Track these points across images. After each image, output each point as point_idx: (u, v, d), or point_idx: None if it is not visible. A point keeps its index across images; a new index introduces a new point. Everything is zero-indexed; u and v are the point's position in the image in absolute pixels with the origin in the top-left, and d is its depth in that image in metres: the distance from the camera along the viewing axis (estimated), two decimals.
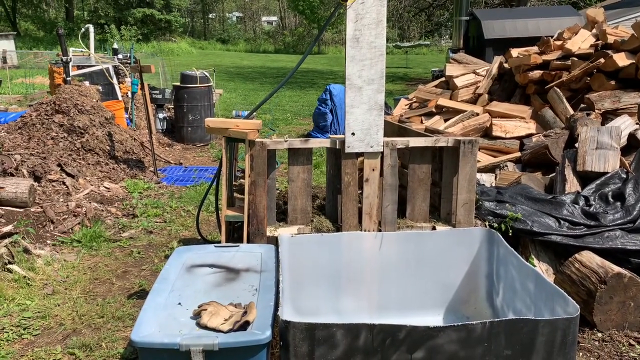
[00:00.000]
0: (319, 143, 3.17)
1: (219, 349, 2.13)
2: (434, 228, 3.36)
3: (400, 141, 3.21)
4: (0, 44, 21.04)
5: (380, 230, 3.26)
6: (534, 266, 3.66)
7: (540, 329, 2.23)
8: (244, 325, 2.22)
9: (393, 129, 4.09)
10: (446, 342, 2.19)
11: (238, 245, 3.03)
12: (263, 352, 2.20)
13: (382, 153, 3.17)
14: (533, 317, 2.24)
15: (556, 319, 2.26)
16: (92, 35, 8.95)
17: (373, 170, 3.17)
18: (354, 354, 2.19)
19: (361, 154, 3.17)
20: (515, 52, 6.54)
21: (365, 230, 3.24)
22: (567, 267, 3.47)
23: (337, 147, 3.16)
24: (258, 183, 3.06)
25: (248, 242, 3.14)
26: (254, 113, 3.57)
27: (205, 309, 2.31)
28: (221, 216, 3.20)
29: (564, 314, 2.41)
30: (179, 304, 2.46)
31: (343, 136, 3.13)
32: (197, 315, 2.32)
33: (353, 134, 3.09)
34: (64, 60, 7.31)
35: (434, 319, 3.29)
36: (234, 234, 3.39)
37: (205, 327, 2.24)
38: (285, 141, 3.10)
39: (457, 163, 3.26)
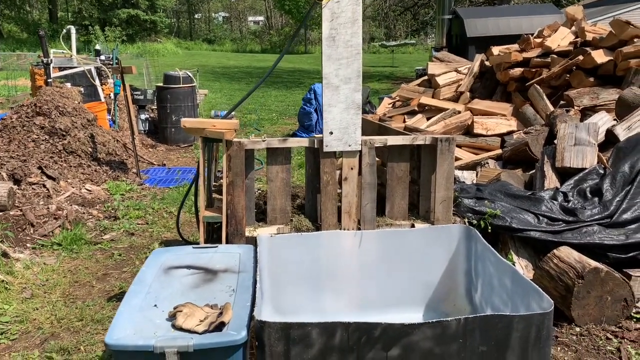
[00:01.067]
0: (297, 142, 3.17)
1: (193, 351, 2.12)
2: (412, 226, 3.37)
3: (379, 140, 3.22)
4: None
5: (359, 229, 3.27)
6: (514, 262, 3.70)
7: (515, 325, 2.25)
8: (219, 326, 2.22)
9: (373, 128, 4.10)
10: (421, 339, 2.20)
11: (216, 246, 3.02)
12: (239, 352, 2.19)
13: (361, 152, 3.18)
14: (508, 313, 2.26)
15: (531, 314, 2.27)
16: (73, 36, 8.88)
17: (351, 169, 3.17)
18: (329, 352, 2.20)
19: (340, 153, 3.17)
20: (496, 50, 6.59)
21: (344, 229, 3.25)
22: (545, 262, 3.49)
23: (316, 146, 3.16)
24: (236, 183, 3.05)
25: (227, 242, 3.13)
26: (233, 113, 3.57)
27: (181, 311, 2.31)
28: (200, 217, 3.19)
29: (539, 310, 2.43)
30: (155, 305, 2.45)
31: (322, 135, 3.13)
32: (172, 317, 2.31)
33: (331, 133, 3.09)
34: (44, 62, 7.25)
35: (414, 316, 3.30)
36: (214, 234, 3.38)
37: (181, 329, 2.23)
38: (264, 141, 3.09)
39: (435, 161, 3.27)
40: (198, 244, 3.37)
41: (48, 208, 4.99)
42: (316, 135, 3.24)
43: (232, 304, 2.42)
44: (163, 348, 2.11)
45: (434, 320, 2.21)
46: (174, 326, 2.26)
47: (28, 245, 4.42)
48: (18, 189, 5.14)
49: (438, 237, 3.27)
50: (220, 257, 2.93)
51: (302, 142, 3.16)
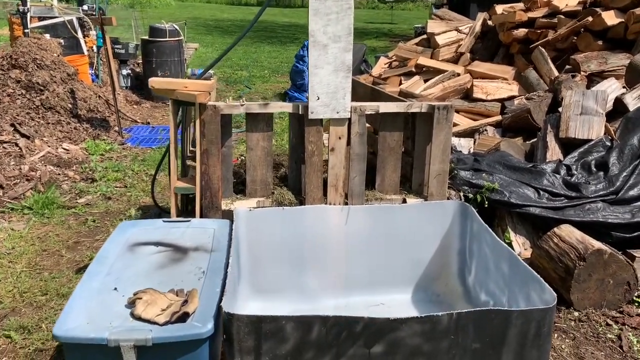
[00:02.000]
0: (280, 107, 2.87)
1: (152, 345, 1.89)
2: (404, 200, 3.12)
3: (370, 106, 2.92)
4: None
5: (346, 204, 3.01)
6: (510, 240, 3.47)
7: (513, 320, 2.02)
8: (182, 317, 1.98)
9: (366, 91, 3.79)
10: (408, 335, 1.98)
11: (189, 220, 2.77)
12: (204, 347, 1.96)
13: (350, 120, 2.89)
14: (506, 308, 2.03)
15: (531, 309, 2.05)
16: None
17: (339, 138, 2.89)
18: (306, 348, 1.97)
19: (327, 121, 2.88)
20: (499, 8, 6.21)
21: (330, 204, 2.99)
22: (545, 241, 3.26)
23: (300, 112, 2.87)
24: (211, 152, 2.77)
25: (201, 216, 2.88)
26: (212, 72, 3.25)
27: (141, 298, 2.06)
28: (171, 188, 2.92)
29: (539, 301, 2.21)
30: (115, 289, 2.20)
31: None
32: (131, 304, 2.07)
33: (318, 98, 2.80)
34: (21, 10, 6.81)
35: (403, 297, 3.09)
36: (189, 205, 3.12)
37: (140, 319, 1.99)
38: (242, 105, 2.79)
39: (431, 131, 2.99)
40: (180, 214, 3.12)
41: (20, 169, 4.70)
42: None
43: (200, 290, 2.18)
44: (118, 341, 1.87)
45: (424, 315, 1.97)
46: (132, 315, 2.02)
47: None
48: None
49: (431, 213, 3.02)
50: (192, 233, 2.67)
51: (284, 107, 2.87)
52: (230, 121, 2.90)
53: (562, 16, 5.56)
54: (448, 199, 3.30)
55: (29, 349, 2.67)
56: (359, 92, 3.88)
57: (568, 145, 3.99)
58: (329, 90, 2.78)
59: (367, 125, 3.52)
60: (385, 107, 2.95)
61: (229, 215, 2.83)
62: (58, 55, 6.74)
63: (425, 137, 3.07)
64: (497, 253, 2.63)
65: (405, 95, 3.53)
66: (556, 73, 5.11)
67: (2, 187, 4.39)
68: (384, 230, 3.01)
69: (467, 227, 3.00)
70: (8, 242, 3.71)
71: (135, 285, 2.22)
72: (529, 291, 2.30)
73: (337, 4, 2.67)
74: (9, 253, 3.58)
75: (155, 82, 2.76)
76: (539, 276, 2.23)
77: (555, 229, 3.29)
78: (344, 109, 2.84)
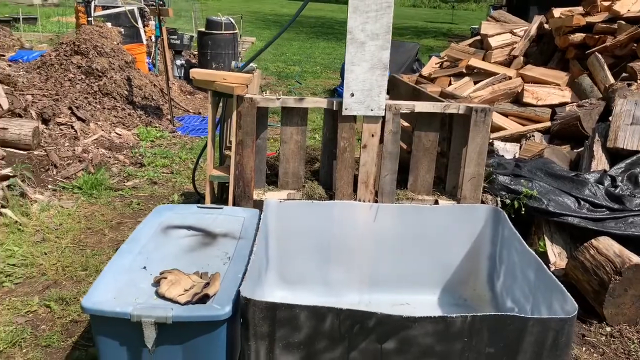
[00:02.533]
0: (314, 102, 2.91)
1: (172, 322, 1.97)
2: (436, 202, 3.10)
3: (405, 105, 2.92)
4: None
5: (376, 201, 3.03)
6: (544, 249, 3.39)
7: (529, 328, 1.99)
8: (203, 299, 2.06)
9: (407, 90, 3.78)
10: (421, 334, 1.98)
11: (222, 208, 2.85)
12: (222, 328, 2.03)
13: (384, 117, 2.90)
14: (521, 315, 2.01)
15: (549, 318, 2.01)
16: None
17: (372, 136, 2.91)
18: (318, 338, 2.01)
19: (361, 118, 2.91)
20: (557, 11, 6.03)
21: (360, 200, 3.01)
22: (581, 252, 3.18)
23: (335, 108, 2.90)
24: (246, 143, 2.85)
25: (234, 204, 2.96)
26: (254, 65, 3.33)
27: (166, 277, 2.16)
28: (206, 175, 3.01)
29: (560, 311, 2.16)
30: (144, 268, 2.31)
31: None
32: (157, 283, 2.16)
33: (352, 94, 2.82)
34: (85, 0, 7.13)
35: (430, 298, 3.08)
36: (224, 194, 3.20)
37: (163, 297, 2.08)
38: (278, 99, 2.85)
39: (468, 133, 2.96)
40: (216, 202, 3.22)
41: (74, 150, 4.94)
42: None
43: (223, 274, 2.25)
44: (140, 317, 1.97)
45: (437, 315, 1.98)
46: (157, 293, 2.12)
47: (49, 187, 4.39)
48: (46, 128, 5.11)
49: (462, 216, 2.99)
50: (223, 220, 2.76)
51: (319, 102, 2.90)
52: (267, 114, 2.97)
53: (622, 22, 5.35)
54: (483, 203, 3.25)
55: (66, 320, 2.83)
56: (401, 91, 3.87)
57: (615, 155, 3.86)
58: (364, 87, 2.80)
59: (406, 124, 3.52)
60: (422, 106, 2.94)
61: (260, 205, 2.90)
62: (117, 43, 7.03)
63: (461, 139, 3.05)
64: (525, 260, 2.59)
65: (447, 96, 3.50)
66: (612, 80, 4.94)
67: (55, 167, 4.63)
68: (413, 230, 3.00)
69: (499, 232, 2.95)
70: (57, 218, 3.92)
71: (164, 265, 2.32)
72: (552, 300, 2.25)
73: (376, 2, 2.69)
74: (57, 229, 3.78)
75: (196, 72, 2.85)
76: (562, 286, 2.19)
77: (593, 240, 3.19)
78: (379, 106, 2.85)
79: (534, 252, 2.55)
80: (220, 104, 3.25)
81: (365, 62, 2.77)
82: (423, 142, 3.06)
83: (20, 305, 2.92)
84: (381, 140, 2.93)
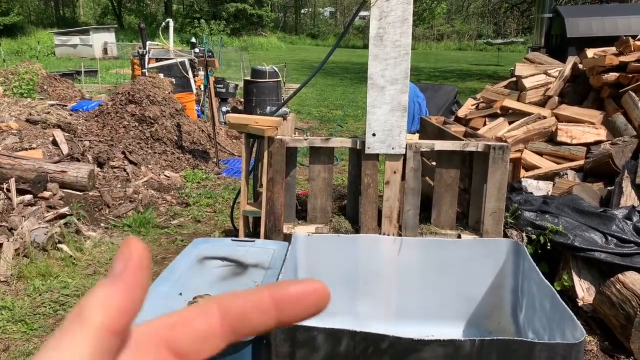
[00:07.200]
0: (340, 142, 3.13)
1: None
2: (459, 236, 3.22)
3: (425, 144, 3.10)
4: (103, 36, 22.53)
5: (400, 235, 3.17)
6: (570, 283, 3.43)
7: (536, 353, 2.08)
8: None
9: (433, 130, 3.96)
10: (432, 357, 2.10)
11: (254, 241, 3.07)
12: (247, 350, 2.21)
13: (405, 155, 3.08)
14: (528, 340, 2.09)
15: (556, 343, 2.09)
16: (171, 29, 9.37)
17: (394, 172, 3.08)
18: (335, 359, 2.16)
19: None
20: (590, 52, 6.11)
21: (384, 234, 3.17)
22: (607, 287, 3.20)
23: (358, 147, 3.11)
24: (276, 180, 3.08)
25: (265, 238, 3.17)
26: (287, 109, 3.59)
27: (197, 302, 2.36)
28: (240, 211, 3.25)
29: (571, 338, 2.23)
30: (180, 294, 2.53)
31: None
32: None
33: (374, 134, 3.02)
34: (140, 53, 7.71)
35: (454, 331, 3.16)
36: (257, 228, 3.42)
37: None
38: (305, 139, 3.09)
39: (487, 169, 3.10)
40: (250, 236, 3.44)
41: (125, 191, 5.31)
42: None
43: None
44: None
45: (447, 339, 2.09)
46: None
47: (102, 224, 4.74)
48: (100, 171, 5.52)
49: (484, 250, 3.10)
50: (255, 252, 2.97)
51: (344, 142, 3.12)
52: (295, 153, 3.20)
53: None
54: (507, 237, 3.35)
55: None
56: (428, 131, 4.05)
57: None
58: (385, 127, 3.00)
59: (433, 163, 3.68)
60: (441, 145, 3.11)
61: (290, 238, 3.10)
62: (169, 93, 7.53)
63: (481, 176, 3.18)
64: (542, 291, 2.67)
65: (470, 136, 3.66)
66: None
67: (108, 206, 5.00)
68: (436, 264, 3.12)
69: (520, 265, 3.04)
70: (107, 253, 4.23)
71: (197, 292, 2.53)
72: (565, 328, 2.32)
73: (395, 50, 2.91)
74: (107, 263, 4.08)
75: (231, 117, 3.13)
76: (572, 313, 2.26)
77: (620, 275, 3.21)
78: (399, 145, 3.03)
79: (549, 283, 2.63)
80: (255, 146, 3.52)
81: (386, 104, 2.98)
82: (444, 179, 3.21)
83: None
84: (403, 177, 3.10)
